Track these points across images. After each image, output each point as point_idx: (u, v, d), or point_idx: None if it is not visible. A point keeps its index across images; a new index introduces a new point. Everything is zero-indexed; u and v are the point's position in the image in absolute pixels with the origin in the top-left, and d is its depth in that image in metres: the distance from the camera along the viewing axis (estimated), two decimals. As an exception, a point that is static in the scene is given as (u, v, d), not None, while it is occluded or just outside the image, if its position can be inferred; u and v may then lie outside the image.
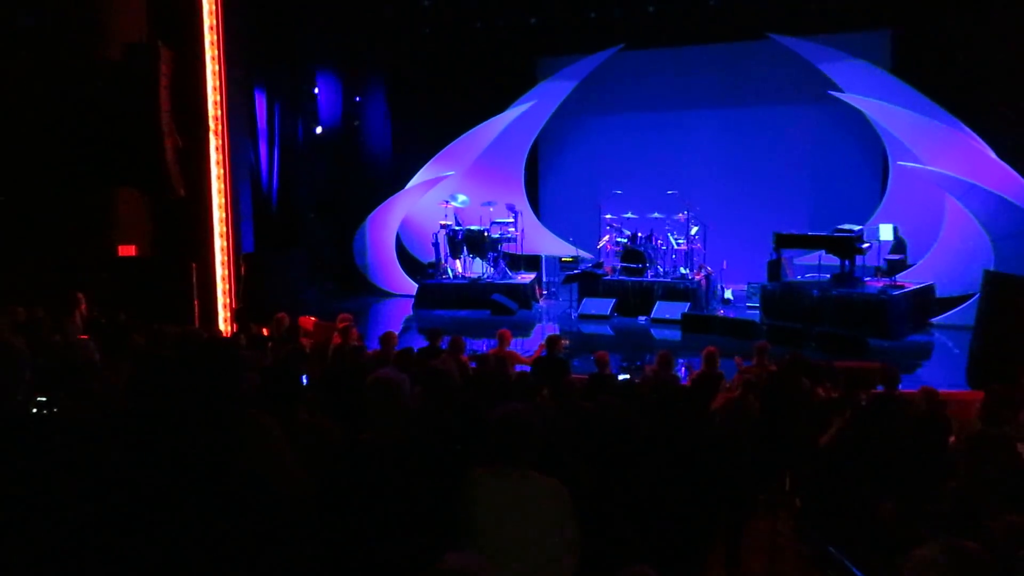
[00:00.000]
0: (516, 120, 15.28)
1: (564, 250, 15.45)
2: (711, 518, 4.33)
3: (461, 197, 14.68)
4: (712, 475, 4.31)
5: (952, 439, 5.55)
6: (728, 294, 13.77)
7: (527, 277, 14.31)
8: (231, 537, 2.28)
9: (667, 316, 12.46)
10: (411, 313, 13.97)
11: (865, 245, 11.78)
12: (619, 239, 13.88)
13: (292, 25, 13.84)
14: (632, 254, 13.49)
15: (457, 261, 14.46)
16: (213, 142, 11.21)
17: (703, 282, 13.14)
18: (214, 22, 11.11)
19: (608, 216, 14.24)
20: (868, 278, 11.99)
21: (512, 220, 14.42)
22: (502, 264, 14.31)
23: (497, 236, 14.25)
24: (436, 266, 14.55)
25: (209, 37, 11.09)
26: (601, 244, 14.36)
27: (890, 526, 4.09)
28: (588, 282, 13.52)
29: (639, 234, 13.61)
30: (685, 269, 13.42)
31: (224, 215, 11.36)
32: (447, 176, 15.00)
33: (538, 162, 16.79)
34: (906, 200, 13.11)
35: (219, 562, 2.22)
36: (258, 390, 3.50)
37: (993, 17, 11.69)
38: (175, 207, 11.06)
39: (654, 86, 15.57)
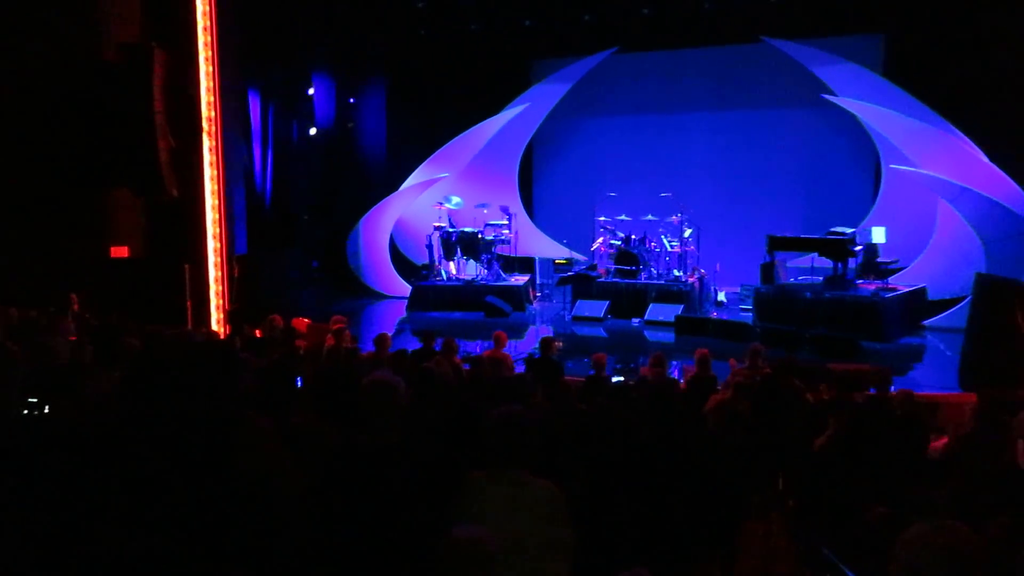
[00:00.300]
0: (510, 122, 15.29)
1: (558, 252, 15.46)
2: (705, 520, 4.33)
3: (455, 199, 14.69)
4: (706, 477, 4.32)
5: (945, 440, 5.57)
6: (721, 296, 13.81)
7: (521, 279, 14.32)
8: (226, 540, 2.28)
9: (660, 318, 12.48)
10: (405, 315, 13.96)
11: (857, 248, 11.83)
12: (613, 241, 13.91)
13: (287, 26, 13.82)
14: (626, 256, 13.51)
15: (451, 263, 14.46)
16: (207, 143, 11.17)
17: (696, 284, 13.18)
18: (208, 23, 11.08)
19: (602, 218, 14.26)
20: (860, 280, 12.04)
21: (506, 222, 14.43)
22: (496, 266, 14.31)
23: (491, 238, 14.26)
24: (430, 268, 14.55)
25: (203, 38, 11.05)
26: (595, 246, 14.38)
27: (882, 528, 4.10)
28: (582, 284, 13.54)
29: (633, 236, 13.64)
30: (679, 271, 13.45)
31: (217, 216, 11.33)
32: (441, 178, 15.00)
33: (532, 164, 16.81)
34: (898, 203, 13.17)
35: (215, 565, 2.21)
36: (253, 392, 3.49)
37: (984, 21, 11.76)
38: (168, 208, 11.02)
39: (648, 89, 15.61)
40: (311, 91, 15.31)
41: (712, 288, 13.79)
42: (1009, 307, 8.41)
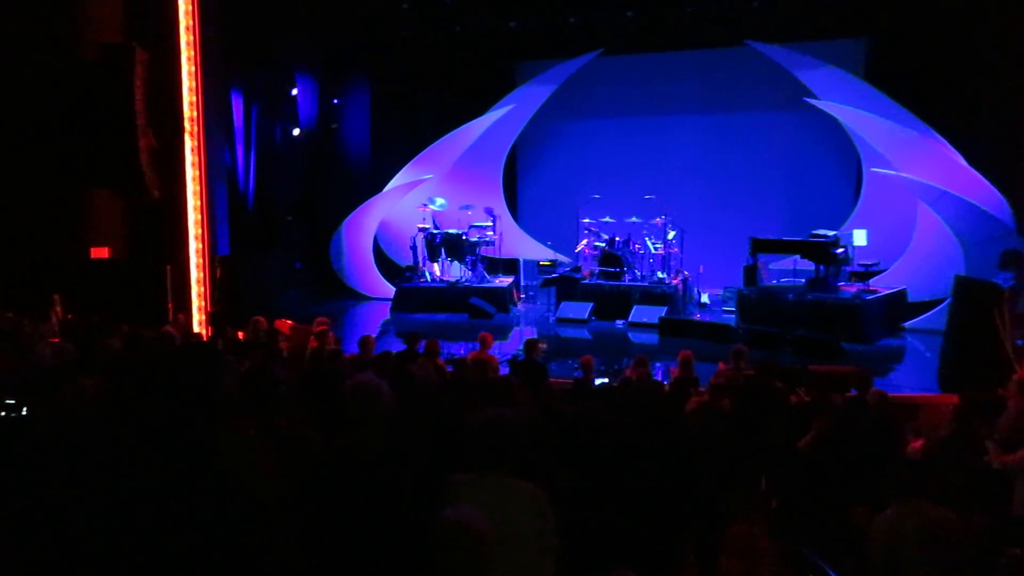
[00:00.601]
0: (495, 124, 15.29)
1: (542, 254, 15.47)
2: (689, 521, 4.35)
3: (439, 200, 14.67)
4: (689, 478, 4.34)
5: (923, 442, 5.63)
6: (705, 298, 13.87)
7: (505, 281, 14.32)
8: (209, 544, 2.26)
9: (644, 320, 12.52)
10: (389, 317, 13.92)
11: (840, 250, 11.92)
12: (597, 243, 13.94)
13: (270, 27, 13.75)
14: (610, 258, 13.55)
15: (435, 264, 14.44)
16: (189, 143, 11.10)
17: (680, 286, 13.23)
18: (190, 23, 11.01)
19: (586, 220, 14.29)
20: (842, 282, 12.13)
21: (490, 224, 14.42)
22: (480, 268, 14.30)
23: (475, 240, 14.25)
24: (414, 269, 14.52)
25: (185, 38, 10.98)
26: (579, 248, 14.40)
27: (864, 527, 4.14)
28: (566, 286, 13.56)
29: (617, 238, 13.68)
30: (662, 273, 13.50)
31: (199, 217, 11.26)
32: (425, 179, 14.97)
33: (517, 166, 16.81)
34: (879, 206, 13.28)
35: (198, 567, 2.20)
36: (235, 395, 3.47)
37: (965, 27, 11.89)
38: (149, 209, 10.94)
39: (633, 91, 15.65)
40: (295, 92, 15.24)
41: (696, 290, 13.86)
42: (987, 309, 8.50)
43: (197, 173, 11.18)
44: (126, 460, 2.48)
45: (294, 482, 2.82)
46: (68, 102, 10.16)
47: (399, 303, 14.04)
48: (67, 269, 10.24)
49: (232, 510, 2.46)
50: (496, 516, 2.69)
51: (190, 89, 11.07)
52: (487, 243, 14.43)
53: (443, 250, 14.28)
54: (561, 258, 15.07)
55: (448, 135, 15.22)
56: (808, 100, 13.23)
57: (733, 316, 12.41)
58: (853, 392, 6.59)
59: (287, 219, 15.34)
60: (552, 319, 13.28)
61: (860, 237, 12.56)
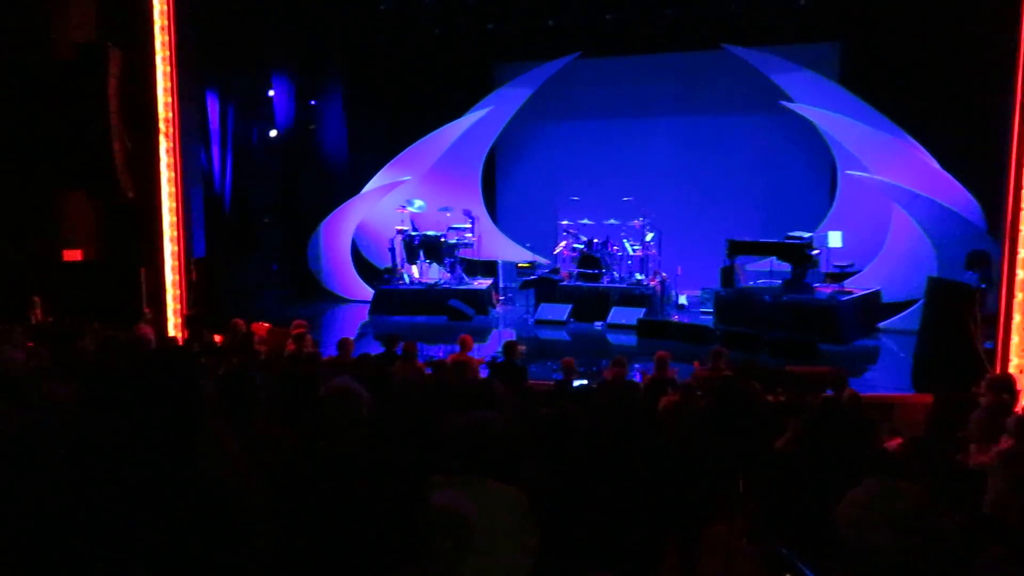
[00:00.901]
0: (473, 126, 15.28)
1: (521, 256, 15.49)
2: (668, 522, 4.37)
3: (418, 202, 14.63)
4: (666, 479, 4.36)
5: (899, 441, 5.70)
6: (683, 300, 13.96)
7: (484, 282, 14.32)
8: (185, 549, 2.24)
9: (623, 321, 12.57)
10: (367, 319, 13.86)
11: (815, 252, 12.04)
12: (576, 245, 13.98)
13: (246, 27, 13.64)
14: (588, 260, 13.59)
15: (414, 266, 14.40)
16: (164, 144, 10.98)
17: (658, 288, 13.30)
18: (165, 23, 10.90)
19: (565, 222, 14.33)
20: (817, 284, 12.26)
21: (469, 225, 14.41)
22: (459, 269, 14.29)
23: (454, 241, 14.23)
24: (392, 271, 14.46)
25: (160, 38, 10.86)
26: (558, 250, 14.44)
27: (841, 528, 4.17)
28: (545, 288, 13.59)
29: (595, 240, 13.73)
30: (640, 275, 13.57)
31: (175, 219, 11.14)
32: (403, 181, 14.93)
33: (495, 168, 16.81)
34: (854, 208, 13.44)
35: (174, 574, 2.17)
36: (212, 399, 3.44)
37: (937, 31, 12.06)
38: (124, 210, 10.81)
39: (611, 94, 15.71)
40: (271, 92, 15.14)
41: (673, 291, 13.94)
42: (960, 309, 8.63)
43: (172, 174, 11.06)
44: (99, 466, 2.45)
45: (271, 487, 2.79)
46: (41, 102, 10.02)
47: (378, 305, 13.98)
48: (40, 271, 10.09)
49: (208, 515, 2.43)
50: (476, 519, 2.69)
51: (165, 89, 10.95)
52: (466, 245, 14.41)
53: (422, 252, 14.24)
54: (540, 260, 15.09)
55: (427, 137, 15.20)
56: (784, 103, 13.37)
57: (711, 317, 12.50)
58: (829, 392, 6.67)
59: (264, 221, 15.23)
60: (531, 321, 13.30)
61: (835, 239, 12.70)
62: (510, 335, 12.19)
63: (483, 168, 16.10)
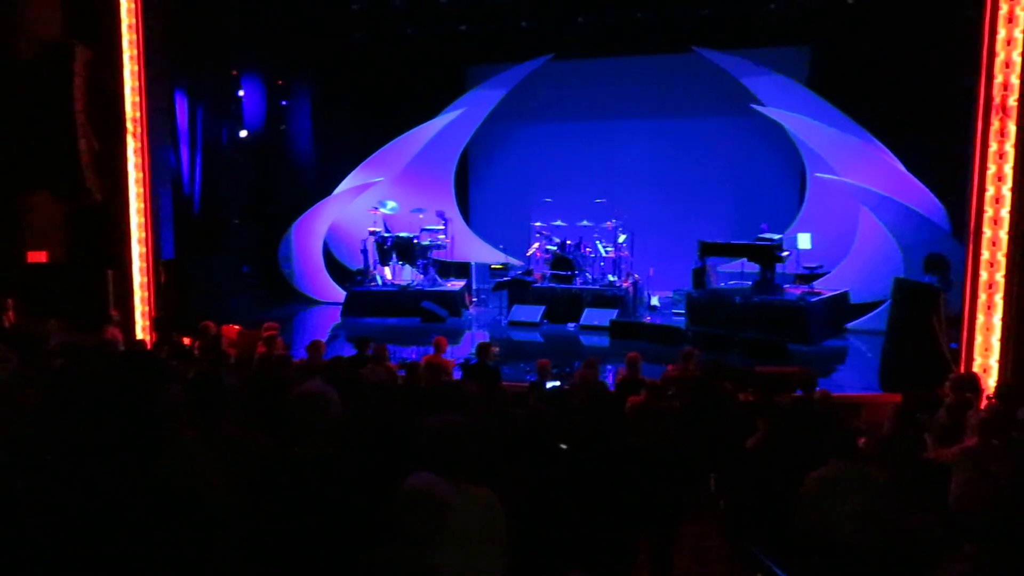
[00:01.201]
0: (446, 127, 15.25)
1: (494, 257, 15.48)
2: (640, 522, 4.39)
3: (390, 204, 14.57)
4: (637, 478, 4.38)
5: (863, 440, 5.78)
6: (655, 301, 14.04)
7: (457, 284, 14.29)
8: (155, 554, 2.21)
9: (595, 323, 12.62)
10: (339, 321, 13.77)
11: (784, 253, 12.18)
12: (548, 247, 14.01)
13: (216, 27, 13.48)
14: (561, 261, 13.63)
15: (386, 268, 14.32)
16: (131, 144, 10.81)
17: (631, 289, 13.37)
18: (133, 21, 10.73)
19: (538, 224, 14.35)
20: (787, 285, 12.40)
21: (442, 227, 14.37)
22: (432, 271, 14.25)
23: (427, 243, 14.19)
24: (365, 273, 14.38)
25: (128, 36, 10.70)
26: (531, 251, 14.45)
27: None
28: (518, 289, 13.60)
29: (568, 242, 13.77)
30: (613, 276, 13.63)
31: (143, 220, 10.97)
32: (375, 182, 14.86)
33: (468, 169, 16.79)
34: (823, 210, 13.61)
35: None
36: (181, 402, 3.40)
37: (905, 37, 12.26)
38: (91, 211, 10.63)
39: (583, 96, 15.77)
40: (241, 92, 14.98)
41: (646, 293, 14.02)
42: (926, 310, 8.78)
43: (140, 175, 10.90)
44: (68, 471, 2.41)
45: (241, 490, 2.77)
46: (4, 101, 9.83)
47: (350, 307, 13.89)
48: (3, 273, 9.90)
49: (177, 519, 2.40)
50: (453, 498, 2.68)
51: (133, 89, 10.79)
52: (439, 246, 14.38)
53: (394, 253, 14.18)
54: (513, 261, 15.09)
55: (399, 138, 15.14)
56: (754, 106, 13.51)
57: (683, 318, 12.58)
58: (799, 392, 6.75)
59: (234, 222, 15.05)
60: (504, 322, 13.30)
61: (804, 240, 12.86)
62: (483, 337, 12.17)
63: (456, 170, 16.08)
